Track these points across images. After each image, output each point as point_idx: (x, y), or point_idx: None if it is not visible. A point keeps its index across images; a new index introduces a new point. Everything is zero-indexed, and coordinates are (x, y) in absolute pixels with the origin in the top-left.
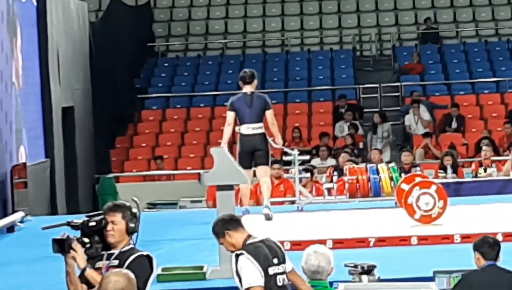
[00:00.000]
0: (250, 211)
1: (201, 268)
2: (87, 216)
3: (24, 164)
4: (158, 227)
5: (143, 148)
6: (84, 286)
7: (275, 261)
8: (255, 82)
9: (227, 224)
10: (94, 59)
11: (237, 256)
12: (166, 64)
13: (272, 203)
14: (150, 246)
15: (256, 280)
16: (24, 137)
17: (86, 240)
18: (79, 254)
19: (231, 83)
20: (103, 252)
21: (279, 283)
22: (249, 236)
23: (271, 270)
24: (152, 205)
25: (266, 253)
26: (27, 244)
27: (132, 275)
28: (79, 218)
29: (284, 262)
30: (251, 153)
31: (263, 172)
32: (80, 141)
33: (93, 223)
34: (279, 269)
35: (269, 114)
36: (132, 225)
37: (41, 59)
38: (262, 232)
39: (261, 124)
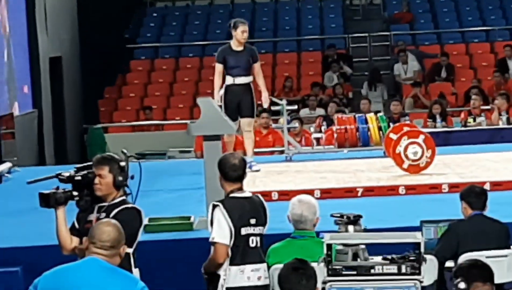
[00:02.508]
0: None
1: (188, 218)
2: (76, 168)
3: (11, 114)
4: (147, 177)
5: (132, 98)
6: (75, 239)
7: (253, 221)
8: (231, 32)
9: (224, 168)
10: (82, 9)
11: (213, 206)
12: (154, 14)
13: (261, 153)
14: (138, 197)
15: (222, 237)
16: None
17: (75, 193)
18: None
19: (220, 33)
20: (94, 205)
21: (251, 244)
22: (239, 189)
23: (244, 230)
24: (141, 155)
25: (244, 212)
26: (15, 195)
27: (120, 227)
28: (68, 170)
29: (264, 224)
30: (237, 104)
31: (246, 124)
32: (68, 92)
33: (79, 177)
34: (255, 230)
35: (256, 66)
36: (119, 178)
37: (28, 9)
38: (250, 183)
39: (247, 75)
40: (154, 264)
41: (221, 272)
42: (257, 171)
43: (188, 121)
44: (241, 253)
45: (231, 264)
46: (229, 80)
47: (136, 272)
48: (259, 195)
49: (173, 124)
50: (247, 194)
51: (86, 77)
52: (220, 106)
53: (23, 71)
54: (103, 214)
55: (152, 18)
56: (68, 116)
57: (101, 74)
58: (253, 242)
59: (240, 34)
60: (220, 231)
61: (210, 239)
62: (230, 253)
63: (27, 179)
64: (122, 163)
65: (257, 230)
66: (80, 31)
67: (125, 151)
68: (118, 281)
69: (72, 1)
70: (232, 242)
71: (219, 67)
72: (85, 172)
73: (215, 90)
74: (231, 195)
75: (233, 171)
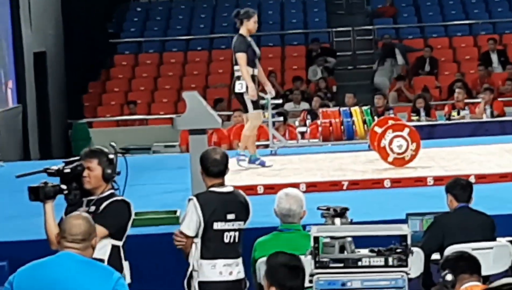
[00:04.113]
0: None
1: (174, 212)
2: (64, 162)
3: None
4: (132, 172)
5: (116, 93)
6: None
7: (231, 216)
8: (243, 22)
9: (205, 163)
10: (66, 4)
11: (189, 200)
12: (138, 9)
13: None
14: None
15: (188, 229)
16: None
17: (63, 187)
18: None
19: (204, 28)
20: (83, 199)
21: (226, 240)
22: (220, 184)
23: (218, 225)
24: (126, 150)
25: (220, 207)
26: (0, 190)
27: (90, 219)
28: (55, 164)
29: (244, 220)
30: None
31: (245, 120)
32: (53, 86)
33: (68, 170)
34: (233, 225)
35: (237, 57)
36: (108, 171)
37: (12, 4)
38: (236, 177)
39: (237, 67)
40: (141, 258)
41: (190, 262)
42: (270, 166)
43: (173, 116)
44: (214, 248)
45: (203, 257)
46: (250, 71)
47: (126, 265)
48: (240, 191)
49: (158, 118)
50: (228, 189)
51: (70, 72)
52: (257, 100)
53: (7, 66)
54: (93, 207)
55: (135, 12)
56: (52, 111)
57: (85, 69)
58: (228, 237)
59: (253, 24)
60: (188, 224)
61: (179, 229)
62: (199, 246)
63: (12, 174)
64: (111, 156)
65: (236, 225)
66: (64, 26)
67: (113, 144)
68: (94, 273)
69: None
70: (200, 235)
71: (245, 57)
72: (73, 165)
73: (250, 82)
74: (210, 189)
75: (214, 166)
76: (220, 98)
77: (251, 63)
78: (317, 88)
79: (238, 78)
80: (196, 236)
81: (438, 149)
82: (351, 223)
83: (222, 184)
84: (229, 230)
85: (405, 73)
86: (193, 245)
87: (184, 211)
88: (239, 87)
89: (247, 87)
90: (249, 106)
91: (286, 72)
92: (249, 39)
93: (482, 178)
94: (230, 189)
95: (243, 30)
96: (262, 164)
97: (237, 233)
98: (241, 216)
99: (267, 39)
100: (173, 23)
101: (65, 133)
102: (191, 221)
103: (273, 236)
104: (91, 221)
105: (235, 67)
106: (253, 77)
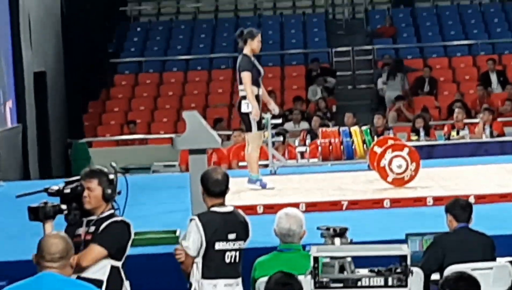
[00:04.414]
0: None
1: (174, 232)
2: (65, 182)
3: None
4: (132, 191)
5: (116, 112)
6: None
7: (232, 236)
8: (247, 41)
9: (206, 183)
10: (66, 24)
11: (190, 220)
12: (138, 29)
13: (246, 167)
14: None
15: (190, 248)
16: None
17: (63, 207)
18: None
19: (204, 47)
20: (82, 219)
21: (227, 260)
22: (220, 204)
23: (219, 245)
24: (125, 170)
25: (221, 226)
26: (0, 209)
27: (67, 237)
28: (55, 184)
29: (244, 239)
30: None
31: (245, 140)
32: (52, 106)
33: (68, 190)
34: (234, 245)
35: (242, 76)
36: (108, 191)
37: (12, 24)
38: (235, 196)
39: (242, 86)
40: (141, 277)
41: (192, 282)
42: (272, 188)
43: (172, 135)
44: (215, 268)
45: (204, 277)
46: (254, 90)
47: (127, 284)
48: (240, 210)
49: (157, 138)
50: (228, 208)
51: (70, 91)
52: (261, 120)
53: (7, 86)
54: (92, 228)
55: (136, 32)
56: (52, 130)
57: (85, 88)
58: (229, 257)
59: (257, 44)
60: (190, 243)
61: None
62: (200, 266)
63: (12, 193)
64: (111, 176)
65: (236, 245)
66: (64, 46)
67: (113, 164)
68: None
69: (56, 16)
70: (202, 255)
71: (250, 77)
72: (74, 185)
73: (253, 101)
74: (211, 209)
75: (215, 187)
76: (220, 117)
77: (255, 83)
78: (317, 108)
79: (244, 97)
80: (197, 255)
81: (438, 169)
82: (351, 243)
83: (222, 204)
84: (230, 250)
85: (405, 93)
86: (194, 265)
87: (184, 230)
88: (245, 107)
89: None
90: (254, 126)
91: (286, 92)
92: (252, 58)
93: (481, 198)
94: (230, 209)
95: (247, 50)
96: (263, 186)
97: (237, 253)
98: (242, 236)
99: (267, 59)
100: (173, 43)
101: (65, 152)
102: (192, 240)
103: (273, 256)
104: (68, 239)
105: (240, 87)
106: (257, 97)
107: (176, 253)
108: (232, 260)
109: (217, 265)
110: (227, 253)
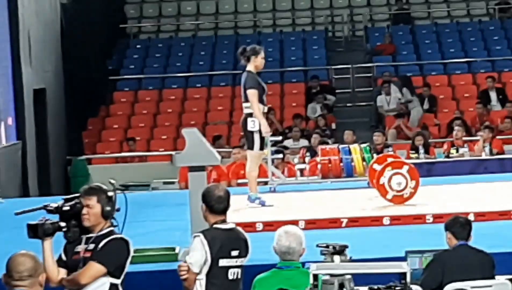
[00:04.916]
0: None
1: (173, 249)
2: (64, 200)
3: None
4: (131, 208)
5: (115, 129)
6: (62, 270)
7: (235, 253)
8: (250, 58)
9: (209, 200)
10: (65, 41)
11: (194, 237)
12: (138, 46)
13: (245, 184)
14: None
15: (194, 264)
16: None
17: (62, 224)
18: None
19: (203, 64)
20: (81, 236)
21: (230, 277)
22: (222, 221)
23: (223, 262)
24: (125, 187)
25: (225, 243)
26: None
27: (36, 255)
28: (54, 201)
29: (245, 256)
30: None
31: (247, 156)
32: (52, 123)
33: (67, 208)
34: (236, 262)
35: (248, 94)
36: (107, 208)
37: (12, 41)
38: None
39: (247, 104)
40: None
41: None
42: (271, 206)
43: (172, 153)
44: (219, 285)
45: None
46: (260, 108)
47: None
48: (239, 227)
49: (157, 155)
50: (230, 225)
51: (70, 108)
52: (263, 139)
53: (7, 103)
54: (92, 245)
55: (135, 49)
56: (52, 147)
57: (84, 105)
58: (233, 274)
59: (261, 60)
60: (195, 259)
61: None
62: (204, 283)
63: (11, 210)
64: (110, 194)
65: (239, 261)
66: (64, 63)
67: (112, 181)
68: None
69: (56, 33)
70: (206, 272)
71: (257, 94)
72: (73, 202)
73: (262, 119)
74: (214, 226)
75: (219, 204)
76: (219, 135)
77: (260, 100)
78: (316, 125)
79: (250, 115)
80: (200, 272)
81: (437, 187)
82: (350, 260)
83: (224, 221)
84: (233, 267)
85: (404, 111)
86: (197, 282)
87: (183, 248)
88: (251, 125)
89: (259, 125)
90: (256, 145)
91: (286, 109)
92: (257, 75)
93: (481, 216)
94: (232, 225)
95: (250, 67)
96: (262, 204)
97: (239, 270)
98: (243, 253)
99: (266, 76)
100: (172, 60)
101: (64, 169)
102: (197, 257)
103: (273, 273)
104: (37, 257)
105: (245, 104)
106: (263, 114)
107: (179, 270)
108: (235, 277)
109: (221, 282)
110: (230, 270)
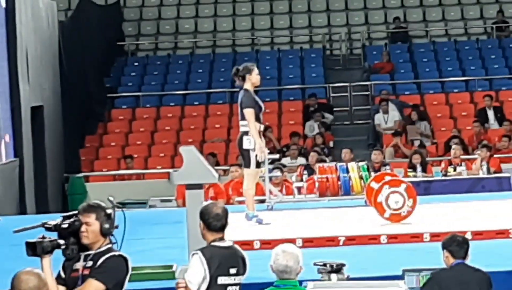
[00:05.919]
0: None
1: (170, 267)
2: (62, 217)
3: None
4: (128, 226)
5: (113, 147)
6: (61, 288)
7: (233, 271)
8: (245, 77)
9: (207, 218)
10: (63, 59)
11: (193, 254)
12: (136, 63)
13: (242, 202)
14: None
15: (192, 282)
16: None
17: (61, 241)
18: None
19: (201, 82)
20: (80, 253)
21: None
22: (221, 238)
23: (222, 280)
24: (122, 204)
25: (224, 261)
26: None
27: (42, 273)
28: (52, 219)
29: (243, 274)
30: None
31: (243, 175)
32: (50, 141)
33: (66, 225)
34: (234, 280)
35: (245, 113)
36: (106, 226)
37: (10, 59)
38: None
39: (244, 122)
40: None
41: None
42: (268, 224)
43: (169, 170)
44: None
45: None
46: (256, 126)
47: None
48: (236, 246)
49: (154, 173)
50: (228, 243)
51: (68, 126)
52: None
53: (4, 120)
54: (90, 262)
55: (133, 67)
56: (49, 165)
57: (82, 123)
58: None
59: (256, 77)
60: (194, 277)
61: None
62: None
63: (9, 228)
64: (109, 211)
65: (237, 279)
66: (62, 80)
67: (111, 198)
68: None
69: (53, 51)
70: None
71: (254, 113)
72: (71, 220)
73: (258, 138)
74: (212, 244)
75: (216, 221)
76: (213, 152)
77: (257, 119)
78: (314, 143)
79: (246, 133)
80: None
81: (435, 205)
82: (348, 279)
83: (222, 239)
84: (231, 285)
85: (402, 129)
86: None
87: (181, 265)
88: (247, 143)
89: (255, 143)
90: (252, 163)
91: (283, 127)
92: (253, 93)
93: (478, 235)
94: (230, 243)
95: (247, 85)
96: (260, 222)
97: (237, 288)
98: (241, 271)
99: (264, 94)
100: (170, 77)
101: (61, 187)
102: (195, 275)
103: None
104: (41, 275)
105: (241, 122)
106: (259, 133)
107: (177, 287)
108: None
109: None
110: (229, 288)
